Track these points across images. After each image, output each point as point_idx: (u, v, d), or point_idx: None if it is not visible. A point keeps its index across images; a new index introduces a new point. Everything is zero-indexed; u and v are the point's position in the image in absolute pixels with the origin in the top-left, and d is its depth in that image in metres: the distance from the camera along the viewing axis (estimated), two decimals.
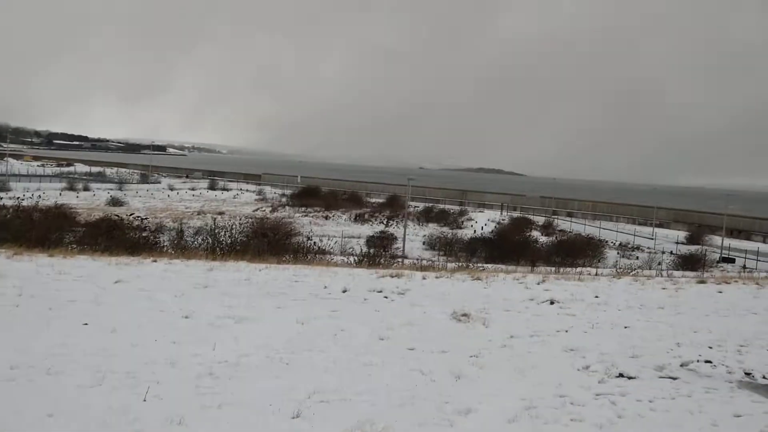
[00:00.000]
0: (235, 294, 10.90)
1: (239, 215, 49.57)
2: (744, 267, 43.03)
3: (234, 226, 25.38)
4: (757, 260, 45.59)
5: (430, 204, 72.20)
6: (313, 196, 71.87)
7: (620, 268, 30.95)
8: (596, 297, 12.83)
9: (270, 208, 63.16)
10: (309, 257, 22.21)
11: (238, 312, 9.42)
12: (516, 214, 71.33)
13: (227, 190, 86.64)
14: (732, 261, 46.39)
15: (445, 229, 53.72)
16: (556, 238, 49.27)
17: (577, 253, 40.03)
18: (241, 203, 69.88)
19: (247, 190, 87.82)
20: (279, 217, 46.82)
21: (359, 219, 59.05)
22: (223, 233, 23.26)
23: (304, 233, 37.54)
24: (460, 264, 26.35)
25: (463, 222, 60.94)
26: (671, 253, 47.83)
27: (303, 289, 11.81)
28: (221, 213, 53.54)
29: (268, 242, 24.32)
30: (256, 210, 61.40)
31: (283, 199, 72.64)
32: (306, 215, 59.34)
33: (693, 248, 49.52)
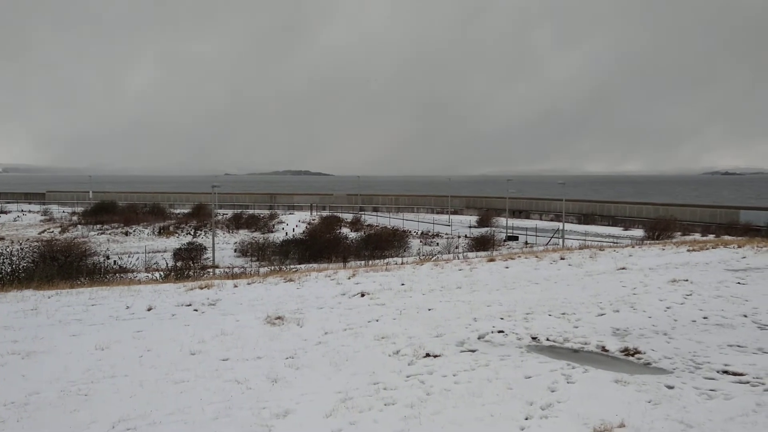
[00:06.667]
0: (20, 326, 9.74)
1: (22, 239, 44.47)
2: (526, 243, 48.33)
3: (15, 252, 22.68)
4: (536, 236, 51.47)
5: (239, 210, 70.66)
6: (109, 211, 66.54)
7: (423, 255, 33.03)
8: (402, 284, 13.54)
9: (59, 229, 57.31)
10: (108, 278, 20.58)
11: (24, 346, 8.44)
12: (325, 213, 72.56)
13: (5, 212, 76.72)
14: (516, 239, 51.81)
15: (257, 234, 53.01)
16: (365, 232, 51.11)
17: (384, 245, 42.07)
18: (23, 226, 62.48)
19: (29, 211, 78.61)
20: (70, 238, 42.92)
21: (164, 232, 55.94)
22: (2, 260, 20.72)
23: (102, 252, 34.84)
24: (273, 268, 26.21)
25: (274, 225, 60.61)
26: (465, 236, 52.19)
27: (102, 313, 10.90)
28: (0, 238, 47.76)
29: (59, 266, 22.10)
30: (43, 232, 55.39)
31: (74, 218, 66.40)
32: (102, 233, 54.87)
33: (483, 230, 54.54)
